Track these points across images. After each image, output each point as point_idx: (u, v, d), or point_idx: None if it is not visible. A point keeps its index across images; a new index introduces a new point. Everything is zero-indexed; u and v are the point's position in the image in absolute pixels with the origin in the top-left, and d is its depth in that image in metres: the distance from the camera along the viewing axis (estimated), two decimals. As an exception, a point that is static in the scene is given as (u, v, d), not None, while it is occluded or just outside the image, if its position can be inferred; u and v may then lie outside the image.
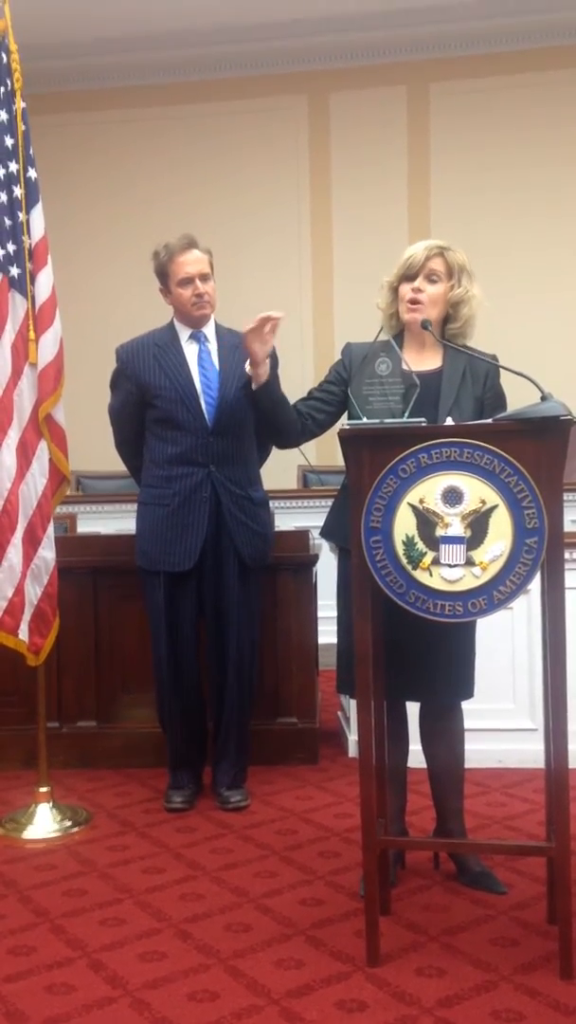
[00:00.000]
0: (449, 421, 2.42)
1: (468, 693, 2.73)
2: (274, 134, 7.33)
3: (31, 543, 3.25)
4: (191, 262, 3.30)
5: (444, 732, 2.76)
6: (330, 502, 2.97)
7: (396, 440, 2.24)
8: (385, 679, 2.53)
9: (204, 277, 3.32)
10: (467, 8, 6.79)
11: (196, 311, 3.34)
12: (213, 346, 3.39)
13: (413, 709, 2.80)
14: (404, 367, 2.46)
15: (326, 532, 2.88)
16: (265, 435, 3.23)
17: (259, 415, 3.05)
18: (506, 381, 2.74)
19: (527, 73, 7.01)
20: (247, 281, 6.70)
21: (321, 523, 2.93)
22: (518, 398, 2.63)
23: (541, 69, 6.98)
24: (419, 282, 2.68)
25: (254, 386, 2.93)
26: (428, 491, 2.22)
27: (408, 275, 2.71)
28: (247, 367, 3.01)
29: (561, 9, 6.78)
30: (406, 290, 2.70)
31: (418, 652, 2.58)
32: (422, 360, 2.73)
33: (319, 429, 2.87)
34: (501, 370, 2.72)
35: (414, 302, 2.68)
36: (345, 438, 2.32)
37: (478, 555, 2.20)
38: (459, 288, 2.69)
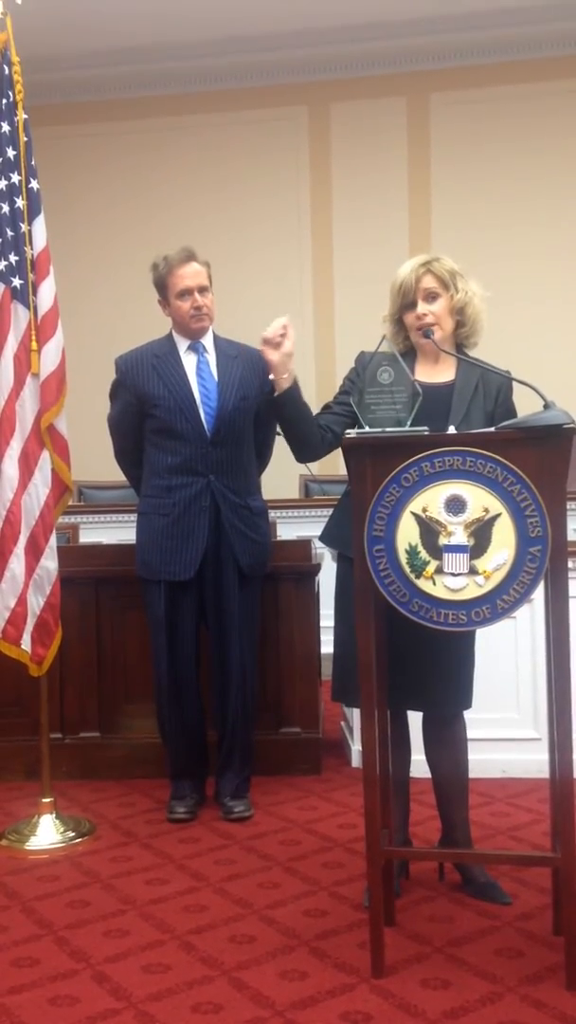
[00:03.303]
0: (452, 431, 2.41)
1: (468, 703, 2.72)
2: (275, 145, 7.34)
3: (33, 553, 3.25)
4: (190, 275, 3.31)
5: (447, 742, 2.75)
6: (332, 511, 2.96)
7: (398, 449, 2.24)
8: (387, 689, 2.52)
9: (203, 289, 3.33)
10: (467, 19, 6.81)
11: (194, 323, 3.35)
12: (212, 357, 3.39)
13: (415, 718, 2.79)
14: (408, 376, 2.45)
15: (326, 538, 2.87)
16: (290, 446, 3.12)
17: (282, 425, 2.98)
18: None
19: (528, 83, 7.02)
20: (248, 291, 6.70)
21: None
22: (521, 407, 2.63)
23: (541, 79, 6.99)
24: (420, 307, 2.68)
25: (276, 393, 2.84)
26: (431, 500, 2.22)
27: (406, 303, 2.71)
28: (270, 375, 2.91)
29: (561, 19, 6.79)
30: (412, 319, 2.70)
31: (420, 662, 2.57)
32: (436, 373, 2.73)
33: (339, 441, 2.84)
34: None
35: (424, 326, 2.67)
36: (348, 447, 2.32)
37: (481, 564, 2.19)
38: (458, 294, 2.70)
